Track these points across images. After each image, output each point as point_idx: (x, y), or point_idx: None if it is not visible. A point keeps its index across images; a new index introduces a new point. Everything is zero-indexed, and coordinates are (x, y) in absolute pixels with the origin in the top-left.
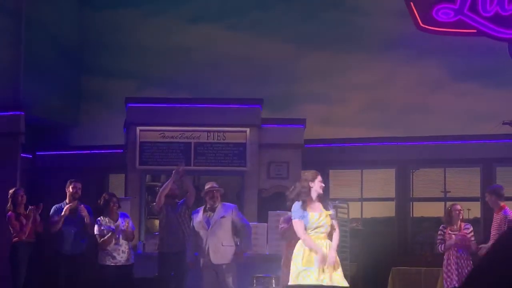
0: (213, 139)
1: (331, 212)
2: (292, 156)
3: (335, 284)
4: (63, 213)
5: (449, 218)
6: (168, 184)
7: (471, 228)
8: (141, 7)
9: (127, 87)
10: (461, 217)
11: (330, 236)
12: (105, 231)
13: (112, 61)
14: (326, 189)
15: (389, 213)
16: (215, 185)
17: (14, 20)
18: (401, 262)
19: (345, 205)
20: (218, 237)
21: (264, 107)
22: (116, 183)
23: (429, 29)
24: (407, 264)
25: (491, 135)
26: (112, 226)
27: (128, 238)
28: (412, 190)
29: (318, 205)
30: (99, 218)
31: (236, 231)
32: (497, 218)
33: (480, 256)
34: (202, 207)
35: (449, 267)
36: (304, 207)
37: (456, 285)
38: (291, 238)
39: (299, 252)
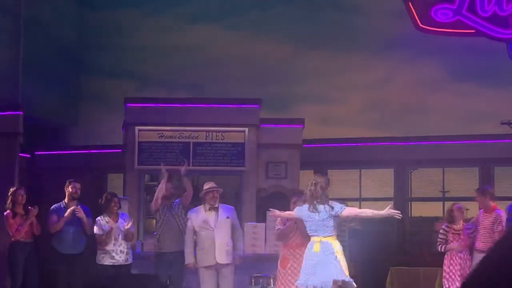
0: (212, 139)
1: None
2: (290, 156)
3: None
4: (66, 214)
5: (451, 217)
6: (162, 186)
7: (474, 228)
8: (140, 7)
9: (126, 87)
10: (461, 217)
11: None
12: (104, 230)
13: (111, 61)
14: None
15: None
16: (214, 185)
17: (13, 20)
18: (400, 262)
19: (343, 205)
20: (223, 237)
21: (262, 107)
22: (115, 183)
23: (427, 29)
24: (405, 263)
25: (490, 135)
26: (108, 226)
27: (127, 239)
28: (411, 190)
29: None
30: (99, 218)
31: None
32: (489, 218)
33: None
34: (201, 207)
35: (451, 267)
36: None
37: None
38: (287, 239)
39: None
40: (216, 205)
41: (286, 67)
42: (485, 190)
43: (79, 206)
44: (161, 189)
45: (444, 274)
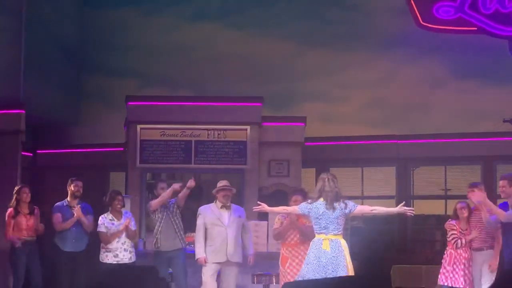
0: (214, 137)
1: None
2: (292, 154)
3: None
4: (73, 218)
5: (456, 215)
6: (169, 194)
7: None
8: (142, 6)
9: (128, 86)
10: (465, 215)
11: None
12: (108, 228)
13: (113, 59)
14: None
15: None
16: (228, 184)
17: (15, 19)
18: (402, 260)
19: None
20: (235, 235)
21: (264, 105)
22: (117, 181)
23: (429, 27)
24: (407, 261)
25: (492, 133)
26: (117, 224)
27: (129, 237)
28: (413, 188)
29: None
30: (103, 216)
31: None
32: (480, 215)
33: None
34: (213, 204)
35: (455, 266)
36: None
37: (461, 285)
38: (286, 237)
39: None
40: (228, 204)
41: (288, 65)
42: (477, 185)
43: (78, 206)
44: (167, 196)
45: (443, 270)
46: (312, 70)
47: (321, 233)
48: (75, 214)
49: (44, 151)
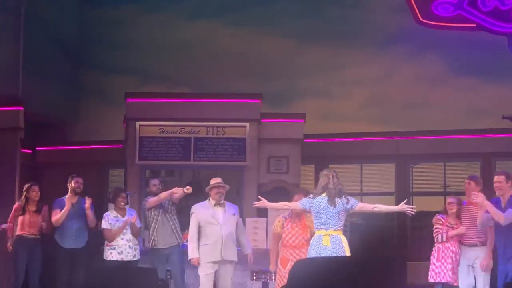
0: (213, 134)
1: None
2: (291, 150)
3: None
4: (64, 210)
5: (445, 210)
6: (169, 194)
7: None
8: (141, 3)
9: (127, 83)
10: (452, 211)
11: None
12: (112, 225)
13: (112, 56)
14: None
15: None
16: (221, 180)
17: (14, 16)
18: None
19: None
20: (229, 233)
21: (264, 102)
22: (116, 178)
23: (428, 23)
24: (406, 258)
25: (491, 130)
26: (121, 221)
27: (134, 234)
28: (412, 184)
29: None
30: (107, 213)
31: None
32: (475, 210)
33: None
34: (206, 202)
35: (443, 261)
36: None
37: (451, 280)
38: (288, 239)
39: None
40: (222, 201)
41: (287, 62)
42: (476, 177)
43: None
44: (164, 197)
45: (432, 267)
46: (312, 67)
47: (321, 228)
48: (66, 206)
49: (43, 148)
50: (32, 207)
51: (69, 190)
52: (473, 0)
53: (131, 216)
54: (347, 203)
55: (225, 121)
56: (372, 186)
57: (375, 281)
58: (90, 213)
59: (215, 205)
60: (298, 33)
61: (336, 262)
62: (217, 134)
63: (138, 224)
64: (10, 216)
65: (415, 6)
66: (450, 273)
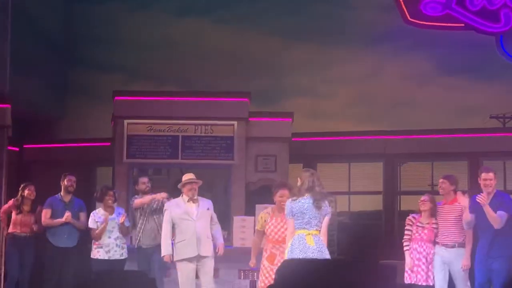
0: (201, 133)
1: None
2: (279, 149)
3: None
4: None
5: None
6: (150, 199)
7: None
8: (129, 1)
9: (114, 81)
10: (424, 209)
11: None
12: (98, 224)
13: (100, 54)
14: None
15: (376, 206)
16: (193, 176)
17: (1, 13)
18: (389, 256)
19: (333, 199)
20: (204, 228)
21: (251, 100)
22: (104, 176)
23: (417, 23)
24: (394, 257)
25: (478, 129)
26: (103, 218)
27: (123, 233)
28: (400, 183)
29: None
30: (94, 211)
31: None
32: (452, 209)
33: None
34: (180, 198)
35: (417, 262)
36: None
37: (424, 283)
38: (273, 234)
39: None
40: (195, 197)
41: (275, 60)
42: (451, 176)
43: (68, 213)
44: (147, 201)
45: (406, 268)
46: (299, 65)
47: (304, 228)
48: (64, 218)
49: (30, 146)
50: (26, 207)
51: (62, 188)
52: (461, 0)
53: (119, 215)
54: (327, 208)
55: (213, 120)
56: (360, 185)
57: (365, 284)
58: (75, 223)
59: (188, 201)
60: (285, 32)
61: (324, 263)
62: (205, 133)
63: (127, 223)
64: (2, 209)
65: (403, 5)
66: (424, 275)
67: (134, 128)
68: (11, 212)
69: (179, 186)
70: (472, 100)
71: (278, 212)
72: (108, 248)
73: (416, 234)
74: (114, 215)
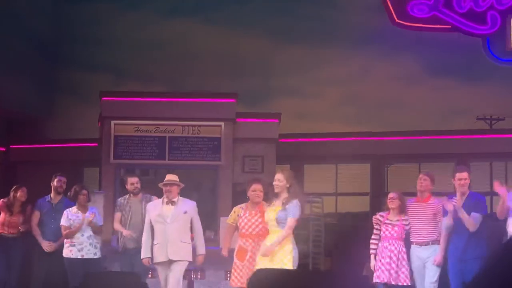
0: (188, 133)
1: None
2: (266, 150)
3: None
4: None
5: (386, 207)
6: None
7: (409, 221)
8: (117, 1)
9: (102, 81)
10: (393, 206)
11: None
12: (71, 221)
13: (88, 54)
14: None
15: (363, 207)
16: (173, 178)
17: None
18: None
19: (320, 200)
20: (178, 232)
21: (239, 101)
22: (91, 176)
23: (404, 24)
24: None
25: (465, 131)
26: (80, 218)
27: (95, 232)
28: (387, 185)
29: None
30: (68, 209)
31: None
32: (426, 207)
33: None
34: (160, 200)
35: (383, 261)
36: None
37: (393, 282)
38: (247, 228)
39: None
40: (174, 199)
41: (262, 61)
42: (431, 174)
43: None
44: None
45: (376, 267)
46: (287, 66)
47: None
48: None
49: (17, 146)
50: (16, 208)
51: (52, 189)
52: (448, 2)
53: (89, 214)
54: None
55: (200, 121)
56: (347, 186)
57: None
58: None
59: (167, 203)
60: (274, 32)
61: (295, 274)
62: (192, 133)
63: (99, 223)
64: None
65: (390, 6)
66: (387, 273)
67: (121, 128)
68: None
69: (159, 185)
70: (459, 101)
71: (252, 206)
72: (81, 246)
73: (387, 232)
74: (87, 214)
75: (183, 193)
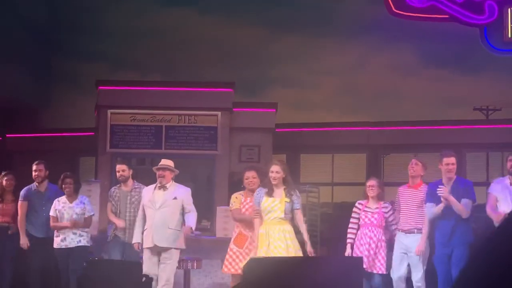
0: (184, 123)
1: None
2: (263, 140)
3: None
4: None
5: (365, 194)
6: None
7: (390, 207)
8: None
9: (99, 70)
10: (372, 195)
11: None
12: (57, 211)
13: (84, 43)
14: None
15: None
16: (167, 164)
17: None
18: None
19: (316, 190)
20: (165, 218)
21: (236, 90)
22: (87, 165)
23: (402, 14)
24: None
25: (462, 121)
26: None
27: (85, 224)
28: (383, 175)
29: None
30: (57, 199)
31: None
32: (415, 194)
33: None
34: (154, 185)
35: (361, 248)
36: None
37: (369, 270)
38: (246, 216)
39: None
40: (166, 184)
41: (260, 51)
42: (423, 161)
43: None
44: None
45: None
46: (284, 56)
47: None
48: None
49: (13, 135)
50: (8, 196)
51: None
52: None
53: (81, 204)
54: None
55: (197, 110)
56: (343, 176)
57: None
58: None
59: (158, 188)
60: (271, 22)
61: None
62: (188, 123)
63: (91, 212)
64: None
65: None
66: (366, 260)
67: (118, 118)
68: None
69: (153, 168)
70: (456, 92)
71: (249, 194)
72: (64, 236)
73: (366, 219)
74: (73, 204)
75: (180, 183)
